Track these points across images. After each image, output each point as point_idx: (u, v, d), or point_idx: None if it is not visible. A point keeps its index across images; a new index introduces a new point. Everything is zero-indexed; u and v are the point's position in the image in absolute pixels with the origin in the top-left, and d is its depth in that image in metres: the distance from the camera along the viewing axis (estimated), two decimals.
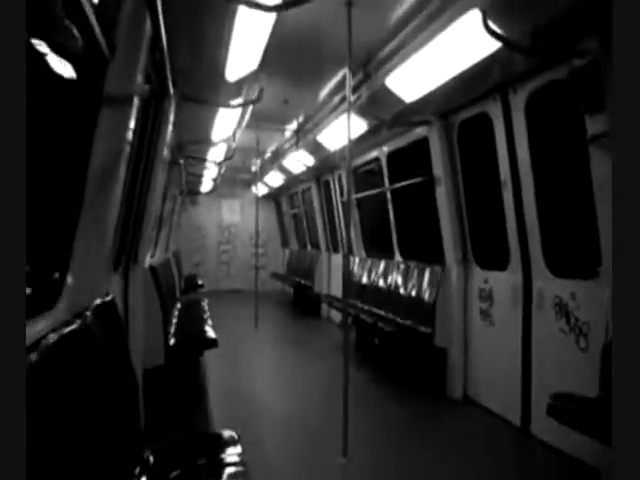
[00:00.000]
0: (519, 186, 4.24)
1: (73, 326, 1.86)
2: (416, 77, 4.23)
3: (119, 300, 3.71)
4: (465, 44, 3.50)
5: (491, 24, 3.05)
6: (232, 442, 2.56)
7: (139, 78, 2.62)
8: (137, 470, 2.26)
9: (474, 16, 3.12)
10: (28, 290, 1.88)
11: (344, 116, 3.91)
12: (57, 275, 2.19)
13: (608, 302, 3.27)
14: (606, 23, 3.00)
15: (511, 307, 4.46)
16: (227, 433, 2.66)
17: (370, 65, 4.94)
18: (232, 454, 2.44)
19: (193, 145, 6.83)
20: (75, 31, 1.92)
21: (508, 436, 4.25)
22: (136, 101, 2.66)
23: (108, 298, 2.58)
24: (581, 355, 3.63)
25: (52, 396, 1.47)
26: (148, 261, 5.25)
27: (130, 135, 2.66)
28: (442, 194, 5.27)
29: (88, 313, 2.12)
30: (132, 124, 2.66)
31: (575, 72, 3.26)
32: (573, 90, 3.34)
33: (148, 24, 2.45)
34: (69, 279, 2.22)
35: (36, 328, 1.75)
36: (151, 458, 2.40)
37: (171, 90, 3.41)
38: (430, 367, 5.44)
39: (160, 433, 3.82)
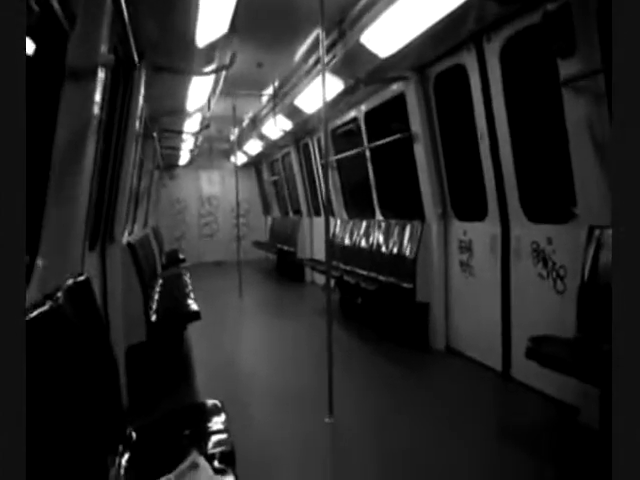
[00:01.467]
0: (496, 136, 4.28)
1: (43, 308, 1.80)
2: (390, 32, 4.19)
3: (97, 279, 3.68)
4: None
5: None
6: (216, 411, 2.56)
7: (103, 49, 2.53)
8: (120, 448, 2.25)
9: None
10: None
11: (320, 77, 3.85)
12: (27, 258, 2.14)
13: (583, 244, 3.36)
14: None
15: (490, 256, 4.56)
16: (210, 402, 2.65)
17: (344, 23, 4.86)
18: (216, 423, 2.44)
19: (167, 117, 6.69)
20: (32, 3, 1.85)
21: (490, 381, 4.40)
22: (102, 73, 2.57)
23: (81, 278, 2.52)
24: (559, 298, 3.74)
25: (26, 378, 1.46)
26: (126, 238, 5.19)
27: (97, 109, 2.59)
28: (420, 150, 5.29)
29: (59, 294, 2.05)
30: (98, 97, 2.58)
31: (548, 16, 3.27)
32: (546, 34, 3.34)
33: None
34: (39, 261, 2.18)
35: None
36: (134, 434, 2.39)
37: (136, 60, 3.32)
38: (413, 322, 5.56)
39: (146, 409, 3.82)
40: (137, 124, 4.45)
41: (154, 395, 4.29)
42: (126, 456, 2.22)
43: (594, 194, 3.34)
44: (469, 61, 4.42)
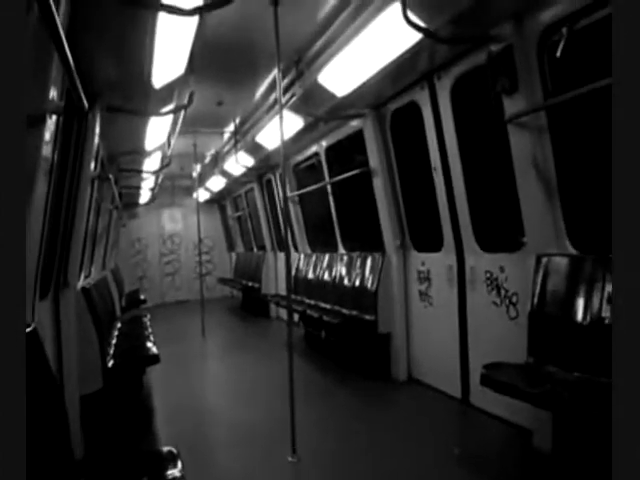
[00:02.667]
0: (448, 169, 4.47)
1: None
2: (346, 72, 4.37)
3: (49, 328, 3.56)
4: (390, 36, 3.66)
5: (411, 16, 3.20)
6: (172, 458, 2.47)
7: (53, 94, 2.53)
8: None
9: (396, 9, 3.25)
10: None
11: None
12: None
13: (532, 271, 3.51)
14: (519, 8, 3.25)
15: (447, 286, 4.68)
16: (166, 449, 2.56)
17: (301, 63, 5.03)
18: (173, 471, 2.36)
19: (126, 157, 6.59)
20: None
21: (450, 409, 4.46)
22: (53, 119, 2.56)
23: (28, 330, 2.45)
24: (512, 324, 3.86)
25: None
26: (82, 282, 5.06)
27: (48, 152, 2.56)
28: (379, 184, 5.44)
29: None
30: (48, 141, 2.56)
31: (492, 57, 3.50)
32: (490, 73, 3.56)
33: (61, 39, 2.39)
34: None
35: None
36: None
37: (86, 105, 3.33)
38: (375, 353, 5.59)
39: (103, 458, 3.69)
40: (92, 165, 4.39)
41: (111, 444, 4.11)
42: None
43: (540, 224, 3.51)
44: (422, 98, 4.64)
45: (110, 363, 4.62)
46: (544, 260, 3.44)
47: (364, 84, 4.45)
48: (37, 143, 2.45)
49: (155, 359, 4.77)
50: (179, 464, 2.41)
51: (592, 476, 2.93)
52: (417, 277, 5.20)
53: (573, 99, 2.97)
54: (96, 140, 4.22)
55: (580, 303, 3.11)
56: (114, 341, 5.68)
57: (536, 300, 3.42)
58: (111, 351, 5.11)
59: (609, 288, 2.93)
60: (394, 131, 5.35)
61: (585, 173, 3.52)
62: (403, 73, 4.37)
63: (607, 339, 2.73)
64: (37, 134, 2.44)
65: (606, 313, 2.92)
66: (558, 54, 3.10)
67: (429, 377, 5.07)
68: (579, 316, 3.09)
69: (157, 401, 5.32)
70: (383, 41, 3.77)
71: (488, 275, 4.14)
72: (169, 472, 2.36)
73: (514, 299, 3.86)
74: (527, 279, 3.55)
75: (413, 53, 3.83)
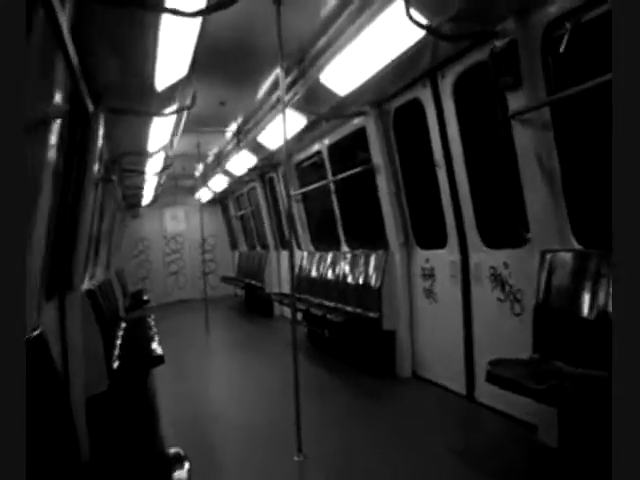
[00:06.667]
0: (452, 166, 4.47)
1: None
2: (348, 70, 4.37)
3: (55, 331, 3.57)
4: (392, 34, 3.65)
5: (414, 13, 3.21)
6: (179, 460, 2.47)
7: (57, 98, 2.55)
8: None
9: (398, 6, 3.25)
10: None
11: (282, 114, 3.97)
12: None
13: (537, 267, 3.51)
14: (523, 3, 3.25)
15: (451, 283, 4.68)
16: (173, 451, 2.55)
17: (304, 62, 5.03)
18: (180, 473, 2.36)
19: (129, 157, 6.61)
20: None
21: (455, 405, 4.47)
22: (57, 121, 2.57)
23: (36, 333, 2.42)
24: (516, 320, 3.86)
25: None
26: (86, 284, 5.08)
27: (53, 156, 2.57)
28: (382, 181, 5.45)
29: None
30: (53, 146, 2.57)
31: (495, 52, 3.50)
32: (494, 70, 3.56)
33: (66, 44, 2.40)
34: None
35: None
36: None
37: (90, 107, 3.32)
38: (380, 350, 5.59)
39: (109, 460, 3.65)
40: (96, 167, 4.41)
41: (118, 445, 4.12)
42: None
43: (544, 219, 3.51)
44: (425, 96, 4.64)
45: (115, 364, 4.63)
46: (549, 256, 3.44)
47: (366, 82, 4.45)
48: (42, 146, 2.47)
49: (160, 360, 4.78)
50: (186, 465, 2.41)
51: (598, 471, 2.93)
52: (421, 274, 5.21)
53: (577, 94, 2.97)
54: (100, 142, 4.23)
55: (585, 298, 3.11)
56: (119, 342, 5.69)
57: (541, 296, 3.42)
58: (116, 352, 5.11)
59: None
60: (397, 128, 5.35)
61: (589, 168, 3.52)
62: (405, 71, 4.37)
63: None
64: (42, 137, 2.46)
65: (611, 308, 2.92)
66: (562, 49, 3.10)
67: (434, 374, 5.08)
68: (584, 311, 3.09)
69: (162, 402, 5.33)
70: (385, 39, 3.77)
71: (492, 271, 4.14)
72: (177, 474, 2.36)
73: (518, 295, 3.87)
74: (532, 275, 3.56)
75: (415, 51, 3.83)
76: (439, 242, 4.88)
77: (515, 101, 3.49)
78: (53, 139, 2.56)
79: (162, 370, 5.26)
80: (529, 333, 3.45)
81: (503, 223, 4.30)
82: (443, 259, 4.83)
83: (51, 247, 3.14)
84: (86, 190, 4.08)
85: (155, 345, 5.22)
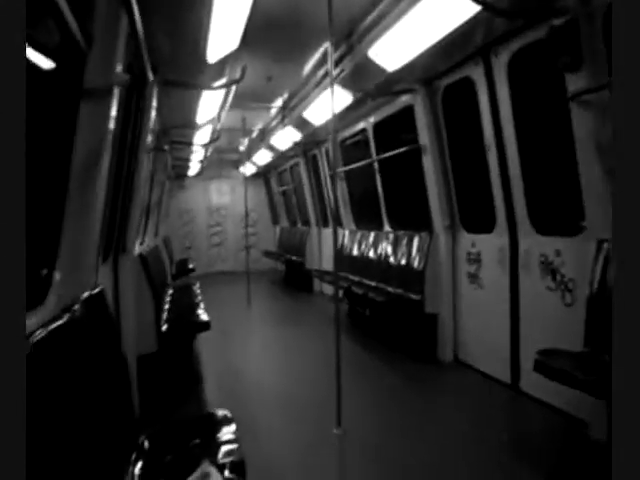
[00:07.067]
0: (503, 148, 4.30)
1: (62, 320, 1.89)
2: (398, 46, 4.23)
3: (109, 291, 3.72)
4: (445, 9, 3.51)
5: None
6: (226, 421, 2.60)
7: (119, 68, 2.59)
8: (133, 456, 2.30)
9: None
10: None
11: (329, 90, 3.90)
12: (45, 271, 2.20)
13: (592, 257, 3.36)
14: None
15: (498, 269, 4.56)
16: (220, 413, 2.70)
17: (352, 37, 4.91)
18: (226, 433, 2.48)
19: (178, 130, 6.78)
20: (51, 26, 1.91)
21: (498, 394, 4.38)
22: (117, 91, 2.63)
23: (96, 290, 2.58)
24: (567, 311, 3.73)
25: (44, 389, 1.48)
26: (137, 249, 5.26)
27: (112, 125, 2.64)
28: (428, 161, 5.32)
29: (77, 307, 2.14)
30: (113, 114, 2.63)
31: (554, 31, 3.30)
32: (552, 49, 3.37)
33: (124, 13, 2.43)
34: (57, 274, 2.23)
35: (27, 323, 1.78)
36: (146, 443, 2.43)
37: (150, 77, 3.37)
38: (421, 333, 5.55)
39: (156, 418, 3.85)
40: (149, 137, 4.52)
41: (164, 404, 4.32)
42: (139, 464, 2.26)
43: (602, 207, 3.34)
44: (477, 74, 4.46)
45: (164, 327, 4.83)
46: (605, 246, 3.28)
47: (416, 58, 4.30)
48: (105, 114, 2.53)
49: (206, 326, 4.97)
50: (233, 426, 2.52)
51: None
52: (466, 258, 5.09)
53: None
54: (153, 113, 4.32)
55: None
56: (167, 306, 5.92)
57: (596, 287, 3.28)
58: (164, 316, 5.33)
59: None
60: (445, 107, 5.18)
61: None
62: (457, 48, 4.19)
63: None
64: (105, 105, 2.52)
65: None
66: None
67: (476, 360, 5.00)
68: None
69: (206, 366, 5.54)
70: (439, 13, 3.61)
71: (543, 259, 4.00)
72: (224, 434, 2.47)
73: (570, 285, 3.72)
74: (586, 265, 3.41)
75: (469, 27, 3.66)
76: (487, 226, 4.74)
77: (574, 82, 3.30)
78: (114, 107, 2.62)
79: (206, 335, 5.42)
80: (580, 325, 3.33)
81: (557, 210, 4.13)
82: (490, 244, 4.70)
83: (108, 211, 3.25)
84: (141, 157, 4.20)
85: (201, 311, 5.43)
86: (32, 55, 1.84)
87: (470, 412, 4.02)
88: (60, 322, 1.87)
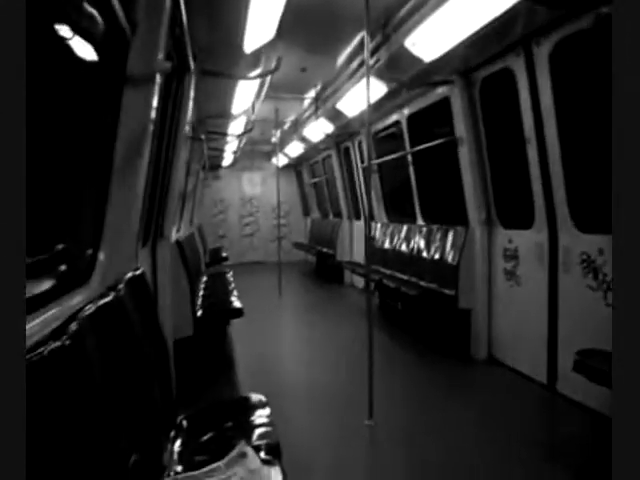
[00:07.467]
0: (544, 142, 4.16)
1: (107, 298, 1.96)
2: (435, 36, 4.14)
3: (148, 274, 3.85)
4: None
5: None
6: (260, 405, 2.65)
7: (160, 55, 2.62)
8: (172, 434, 2.38)
9: None
10: (63, 267, 1.95)
11: (363, 81, 3.85)
12: (90, 252, 2.28)
13: None
14: None
15: (537, 266, 4.43)
16: (255, 396, 2.76)
17: (388, 27, 4.84)
18: (261, 416, 2.53)
19: (214, 119, 6.85)
20: (96, 14, 1.93)
21: (534, 394, 4.28)
22: (158, 79, 2.67)
23: (138, 272, 2.67)
24: (609, 311, 3.61)
25: (91, 364, 1.54)
26: (174, 236, 5.37)
27: (154, 113, 2.68)
28: (465, 154, 5.20)
29: (121, 286, 2.21)
30: (155, 102, 2.67)
31: (601, 20, 3.15)
32: (599, 39, 3.22)
33: (167, 2, 2.45)
34: (101, 255, 2.32)
35: (73, 301, 1.86)
36: (185, 422, 2.51)
37: (192, 65, 3.39)
38: (454, 329, 5.48)
39: (191, 400, 3.93)
40: (187, 126, 4.58)
41: (199, 387, 4.42)
42: (178, 442, 2.33)
43: None
44: (517, 65, 4.32)
45: (199, 313, 4.94)
46: None
47: (454, 49, 4.19)
48: (147, 101, 2.57)
49: (239, 312, 5.07)
50: (268, 410, 2.58)
51: None
52: (503, 254, 4.97)
53: None
54: (191, 102, 4.37)
55: None
56: (201, 293, 6.05)
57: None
58: (199, 302, 5.45)
59: None
60: (483, 99, 5.04)
61: None
62: (496, 38, 4.05)
63: None
64: (147, 92, 2.56)
65: None
66: None
67: (511, 358, 4.89)
68: None
69: (239, 352, 5.64)
70: (477, 3, 3.51)
71: (584, 257, 3.86)
72: (259, 417, 2.53)
73: (613, 285, 3.60)
74: None
75: (509, 16, 3.53)
76: (525, 222, 4.61)
77: None
78: (155, 95, 2.65)
79: (239, 322, 5.51)
80: None
81: (600, 207, 3.98)
82: (529, 240, 4.57)
83: (147, 197, 3.33)
84: (178, 146, 4.26)
85: (234, 298, 5.54)
86: (78, 44, 1.87)
87: (504, 412, 3.94)
88: (107, 299, 1.95)
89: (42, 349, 1.23)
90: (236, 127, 7.76)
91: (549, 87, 4.00)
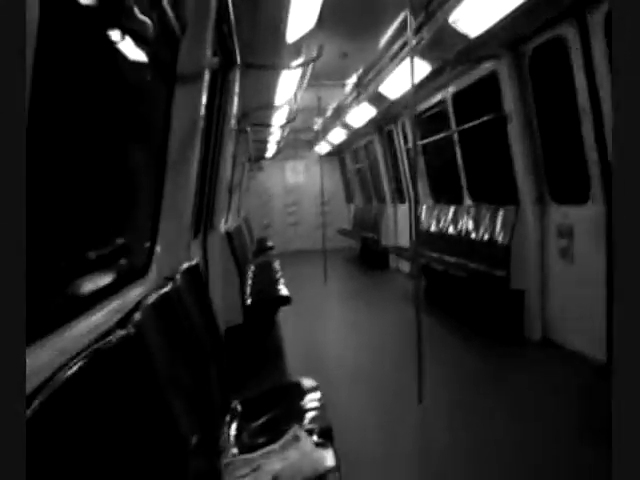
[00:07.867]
0: (600, 113, 3.99)
1: (166, 288, 2.05)
2: (481, 9, 4.03)
3: (200, 265, 3.98)
4: None
5: None
6: (312, 389, 2.70)
7: (208, 52, 2.68)
8: (227, 418, 2.45)
9: None
10: (124, 261, 2.04)
11: (405, 62, 3.81)
12: (147, 245, 2.39)
13: None
14: None
15: (593, 243, 4.28)
16: (306, 381, 2.80)
17: (431, 4, 4.75)
18: (313, 400, 2.57)
19: (257, 111, 6.92)
20: (147, 18, 1.98)
21: (592, 374, 4.13)
22: (206, 75, 2.73)
23: (193, 262, 2.77)
24: None
25: (154, 351, 1.62)
26: (222, 227, 5.49)
27: (203, 109, 2.74)
28: (514, 130, 5.05)
29: (177, 276, 2.30)
30: (204, 98, 2.73)
31: None
32: None
33: (214, 0, 2.50)
34: (157, 248, 2.42)
35: (134, 292, 1.96)
36: (239, 407, 2.58)
37: (238, 60, 3.43)
38: (506, 311, 5.35)
39: (244, 385, 4.05)
40: (232, 120, 4.65)
41: (249, 374, 4.50)
42: (233, 425, 2.40)
43: None
44: (570, 34, 4.14)
45: (248, 301, 5.05)
46: None
47: (500, 21, 4.07)
48: (197, 98, 2.64)
49: (287, 300, 5.15)
50: (319, 394, 2.62)
51: None
52: (556, 232, 4.82)
53: None
54: (236, 96, 4.44)
55: None
56: (249, 282, 6.18)
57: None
58: (248, 290, 5.57)
59: None
60: (533, 71, 4.87)
61: None
62: (546, 6, 3.91)
63: None
64: (197, 89, 2.62)
65: None
66: None
67: (568, 339, 4.73)
68: None
69: (287, 339, 5.72)
70: None
71: None
72: (310, 401, 2.57)
73: None
74: None
75: None
76: (580, 197, 4.45)
77: None
78: (204, 91, 2.72)
79: (287, 309, 5.58)
80: None
81: None
82: (584, 217, 4.41)
83: (198, 191, 3.44)
84: (225, 140, 4.34)
85: (282, 287, 5.62)
86: (127, 46, 1.93)
87: (561, 393, 3.83)
88: (166, 289, 2.04)
89: (110, 337, 1.30)
90: (279, 118, 7.83)
91: (604, 55, 3.81)
